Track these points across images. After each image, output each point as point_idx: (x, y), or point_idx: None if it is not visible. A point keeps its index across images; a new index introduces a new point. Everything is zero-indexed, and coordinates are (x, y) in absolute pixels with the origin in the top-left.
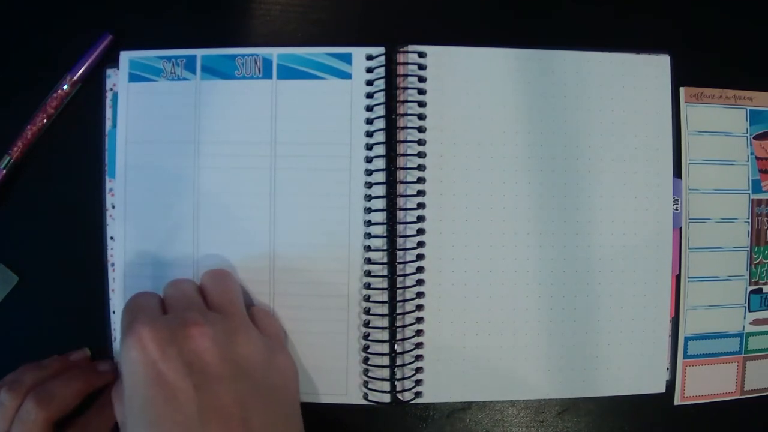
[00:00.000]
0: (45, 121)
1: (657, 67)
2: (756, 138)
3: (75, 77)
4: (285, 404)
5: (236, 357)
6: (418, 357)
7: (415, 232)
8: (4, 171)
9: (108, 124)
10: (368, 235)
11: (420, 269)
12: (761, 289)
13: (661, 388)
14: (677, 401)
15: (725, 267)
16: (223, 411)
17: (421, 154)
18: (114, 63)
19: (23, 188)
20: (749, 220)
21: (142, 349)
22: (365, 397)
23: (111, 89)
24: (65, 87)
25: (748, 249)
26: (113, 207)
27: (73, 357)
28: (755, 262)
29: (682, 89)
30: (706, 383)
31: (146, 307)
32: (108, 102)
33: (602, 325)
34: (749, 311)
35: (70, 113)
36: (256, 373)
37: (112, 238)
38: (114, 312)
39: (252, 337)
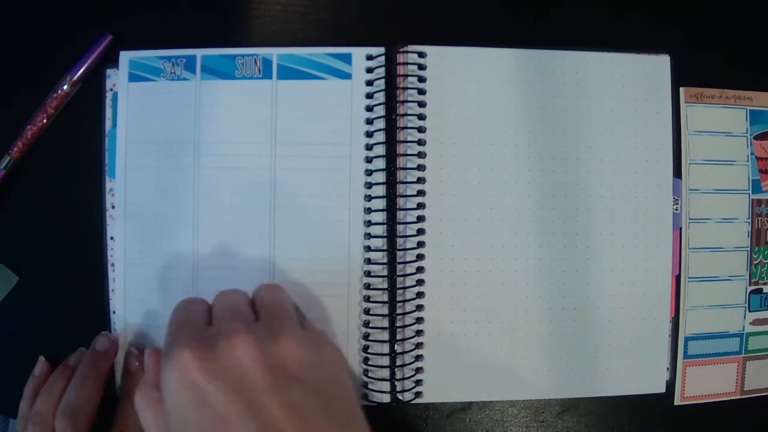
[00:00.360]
0: (45, 121)
1: (657, 67)
2: (756, 138)
3: (75, 77)
4: (340, 398)
5: (283, 362)
6: (418, 357)
7: (415, 232)
8: (4, 171)
9: (108, 124)
10: (368, 236)
11: (420, 269)
12: (761, 289)
13: (661, 388)
14: (677, 401)
15: (725, 267)
16: (279, 426)
17: (421, 154)
18: (114, 63)
19: (23, 188)
20: (749, 220)
21: (184, 371)
22: (365, 397)
23: (111, 89)
24: (65, 87)
25: (748, 249)
26: (113, 207)
27: (72, 362)
28: (755, 262)
29: (682, 89)
30: (706, 383)
31: (189, 321)
32: (108, 102)
33: (602, 325)
34: (749, 311)
35: (70, 113)
36: (305, 374)
37: (112, 238)
38: (114, 312)
39: (297, 336)
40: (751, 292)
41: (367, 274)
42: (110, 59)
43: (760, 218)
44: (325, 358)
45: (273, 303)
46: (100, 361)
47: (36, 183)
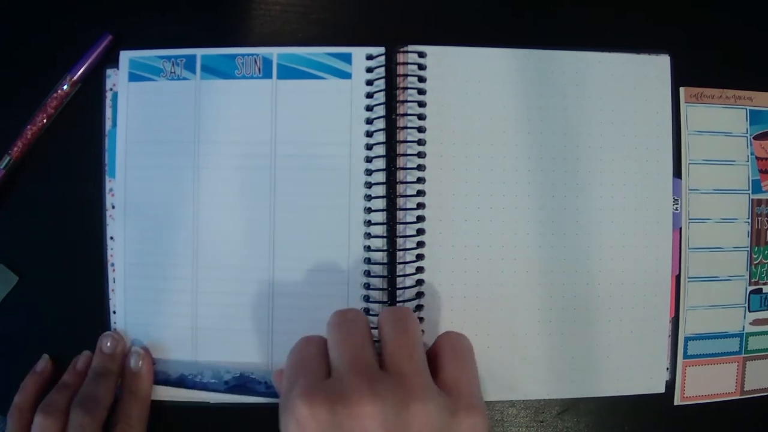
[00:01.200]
0: (45, 121)
1: (657, 67)
2: (756, 138)
3: (75, 77)
4: None
5: None
6: None
7: (414, 232)
8: (4, 171)
9: (108, 124)
10: (368, 235)
11: (420, 269)
12: (761, 289)
13: (660, 389)
14: (677, 401)
15: (725, 267)
16: None
17: (421, 154)
18: (114, 63)
19: (23, 188)
20: (749, 220)
21: (301, 430)
22: None
23: (111, 89)
24: (65, 87)
25: (748, 249)
26: (113, 207)
27: (80, 366)
28: (755, 262)
29: (682, 89)
30: (706, 383)
31: (307, 369)
32: (108, 102)
33: (602, 325)
34: (749, 311)
35: (70, 113)
36: None
37: (112, 237)
38: (114, 312)
39: (429, 406)
40: (751, 292)
41: (367, 273)
42: (110, 59)
43: (760, 218)
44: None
45: (402, 351)
46: (111, 362)
47: (36, 183)
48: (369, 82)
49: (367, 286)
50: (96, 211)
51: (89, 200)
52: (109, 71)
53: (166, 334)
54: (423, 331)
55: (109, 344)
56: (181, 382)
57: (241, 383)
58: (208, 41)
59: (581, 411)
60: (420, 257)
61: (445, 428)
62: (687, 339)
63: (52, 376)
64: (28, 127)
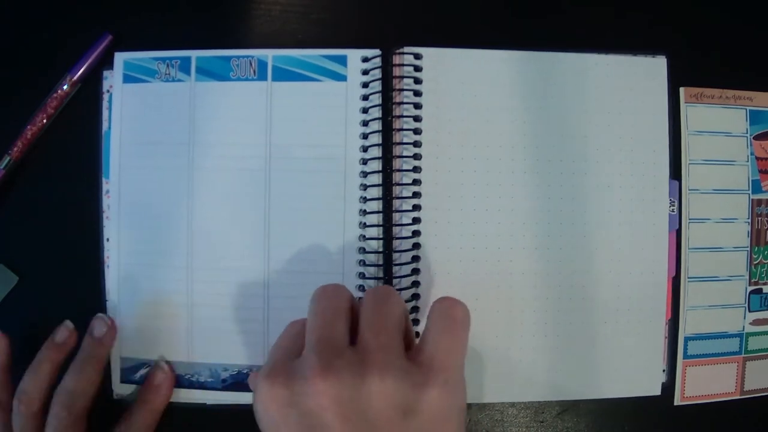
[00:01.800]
0: (45, 121)
1: (654, 68)
2: (756, 138)
3: (75, 77)
4: None
5: (364, 410)
6: None
7: (410, 234)
8: (4, 171)
9: (105, 125)
10: (363, 237)
11: (416, 271)
12: (761, 290)
13: (656, 391)
14: (677, 401)
15: (725, 267)
16: None
17: (417, 156)
18: (111, 65)
19: (23, 188)
20: (749, 220)
21: (265, 410)
22: None
23: (108, 90)
24: (65, 87)
25: (748, 249)
26: (109, 208)
27: (58, 338)
28: (755, 262)
29: (682, 89)
30: (706, 383)
31: (279, 349)
32: (105, 103)
33: (598, 327)
34: (749, 311)
35: (70, 114)
36: (389, 426)
37: (107, 239)
38: (110, 313)
39: (387, 380)
40: (751, 292)
41: (362, 276)
42: (110, 60)
43: (760, 218)
44: (425, 408)
45: (372, 328)
46: (99, 348)
47: (36, 183)
48: (365, 84)
49: (362, 288)
50: (93, 212)
51: (88, 201)
52: (105, 73)
53: (161, 335)
54: (420, 332)
55: (100, 328)
56: (178, 383)
57: (239, 381)
58: (208, 41)
59: (581, 411)
60: (415, 259)
61: (406, 402)
62: (687, 339)
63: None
64: (28, 127)
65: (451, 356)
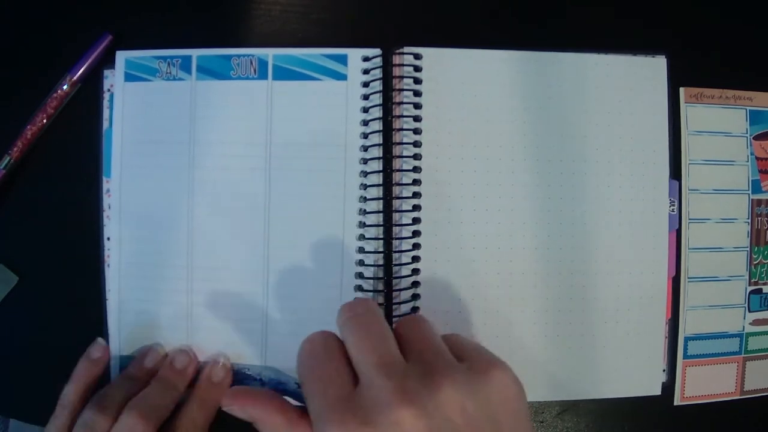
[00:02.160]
0: (45, 121)
1: (654, 68)
2: (756, 138)
3: (75, 77)
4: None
5: (449, 418)
6: None
7: (410, 234)
8: (4, 171)
9: (105, 124)
10: (362, 237)
11: (415, 271)
12: (761, 290)
13: (656, 391)
14: (677, 401)
15: (725, 267)
16: None
17: (416, 156)
18: (112, 64)
19: (23, 188)
20: (749, 220)
21: None
22: None
23: (108, 90)
24: (65, 87)
25: (748, 249)
26: (110, 207)
27: (148, 363)
28: (755, 262)
29: (682, 89)
30: (706, 383)
31: (331, 382)
32: (105, 102)
33: (598, 327)
34: (749, 311)
35: (70, 113)
36: (476, 423)
37: (108, 238)
38: (110, 312)
39: (458, 383)
40: (751, 292)
41: (360, 276)
42: (110, 60)
43: (759, 218)
44: (496, 390)
45: (421, 337)
46: (180, 379)
47: (36, 183)
48: (365, 84)
49: (361, 288)
50: (94, 212)
51: (88, 201)
52: (106, 72)
53: (161, 334)
54: None
55: (182, 360)
56: None
57: (237, 379)
58: (208, 41)
59: (581, 411)
60: (415, 259)
61: (478, 395)
62: (687, 339)
63: (108, 365)
64: (28, 127)
65: (475, 344)
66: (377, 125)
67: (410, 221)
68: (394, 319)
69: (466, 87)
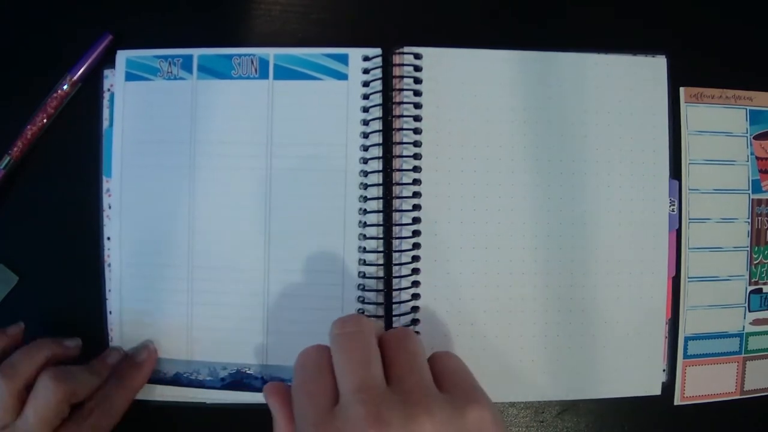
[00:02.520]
0: (45, 121)
1: (654, 68)
2: (756, 138)
3: (75, 77)
4: None
5: None
6: None
7: (410, 234)
8: (4, 171)
9: (105, 124)
10: (363, 236)
11: (415, 270)
12: (761, 289)
13: (656, 391)
14: (677, 401)
15: (725, 267)
16: None
17: (417, 156)
18: (112, 64)
19: (23, 188)
20: (749, 220)
21: None
22: None
23: (108, 89)
24: (65, 87)
25: (748, 249)
26: (110, 207)
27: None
28: (755, 262)
29: (682, 89)
30: (706, 383)
31: (313, 399)
32: (105, 102)
33: (599, 327)
34: (749, 311)
35: (70, 113)
36: None
37: (108, 238)
38: (111, 312)
39: (435, 416)
40: (751, 292)
41: (362, 275)
42: (110, 59)
43: (760, 218)
44: (476, 424)
45: (405, 362)
46: (104, 369)
47: (36, 183)
48: (365, 84)
49: (362, 287)
50: (94, 211)
51: (88, 200)
52: (106, 72)
53: (161, 333)
54: (419, 332)
55: (113, 357)
56: (176, 380)
57: (238, 379)
58: (208, 41)
59: (581, 411)
60: (416, 259)
61: (457, 427)
62: (687, 339)
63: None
64: (28, 127)
65: (460, 370)
66: (377, 125)
67: (410, 221)
68: (393, 319)
69: (466, 87)
